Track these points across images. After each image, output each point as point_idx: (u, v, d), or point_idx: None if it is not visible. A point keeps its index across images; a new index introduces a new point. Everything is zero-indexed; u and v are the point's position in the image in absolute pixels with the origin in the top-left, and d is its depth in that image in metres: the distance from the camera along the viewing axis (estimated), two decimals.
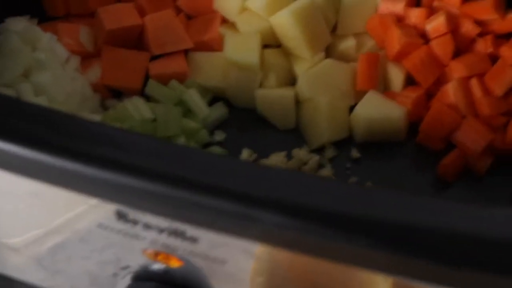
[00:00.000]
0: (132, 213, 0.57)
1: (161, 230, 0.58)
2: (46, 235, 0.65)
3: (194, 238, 0.57)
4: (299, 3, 0.80)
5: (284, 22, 0.79)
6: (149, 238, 0.59)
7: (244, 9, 0.83)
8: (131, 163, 0.49)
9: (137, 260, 0.61)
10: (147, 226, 0.59)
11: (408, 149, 0.79)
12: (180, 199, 0.48)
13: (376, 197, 0.50)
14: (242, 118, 0.81)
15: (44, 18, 0.85)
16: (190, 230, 0.56)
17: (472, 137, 0.75)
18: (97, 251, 0.62)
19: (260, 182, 0.47)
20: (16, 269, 0.68)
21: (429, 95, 0.80)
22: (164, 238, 0.58)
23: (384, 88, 0.82)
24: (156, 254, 0.60)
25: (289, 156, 0.78)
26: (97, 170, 0.49)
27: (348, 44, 0.83)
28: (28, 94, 0.74)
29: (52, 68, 0.76)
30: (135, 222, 0.59)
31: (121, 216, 0.58)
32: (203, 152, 0.52)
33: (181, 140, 0.76)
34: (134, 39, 0.83)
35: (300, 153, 0.77)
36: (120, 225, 0.60)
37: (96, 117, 0.77)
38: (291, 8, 0.79)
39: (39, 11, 0.86)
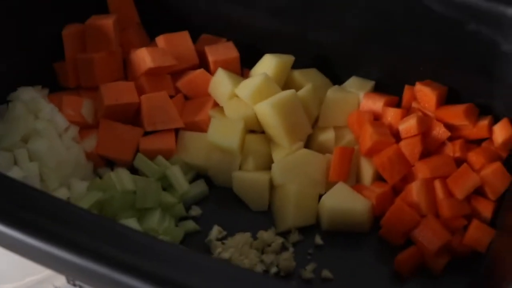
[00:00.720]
0: None
1: None
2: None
3: None
4: (281, 95, 0.85)
5: (266, 112, 0.84)
6: None
7: (233, 95, 0.88)
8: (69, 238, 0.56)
9: None
10: None
11: (371, 241, 0.82)
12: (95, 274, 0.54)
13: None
14: (220, 196, 0.87)
15: (56, 87, 0.94)
16: None
17: (429, 237, 0.78)
18: None
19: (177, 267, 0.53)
20: None
21: (397, 191, 0.84)
22: None
23: (357, 180, 0.86)
24: None
25: (255, 237, 0.82)
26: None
27: (327, 136, 0.87)
28: (23, 159, 0.82)
29: (49, 137, 0.83)
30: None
31: (69, 280, 0.65)
32: (133, 235, 0.58)
33: (157, 213, 0.82)
34: (131, 115, 0.90)
35: (265, 234, 0.82)
36: None
37: (85, 184, 0.84)
38: (273, 99, 0.84)
39: (52, 81, 0.94)
